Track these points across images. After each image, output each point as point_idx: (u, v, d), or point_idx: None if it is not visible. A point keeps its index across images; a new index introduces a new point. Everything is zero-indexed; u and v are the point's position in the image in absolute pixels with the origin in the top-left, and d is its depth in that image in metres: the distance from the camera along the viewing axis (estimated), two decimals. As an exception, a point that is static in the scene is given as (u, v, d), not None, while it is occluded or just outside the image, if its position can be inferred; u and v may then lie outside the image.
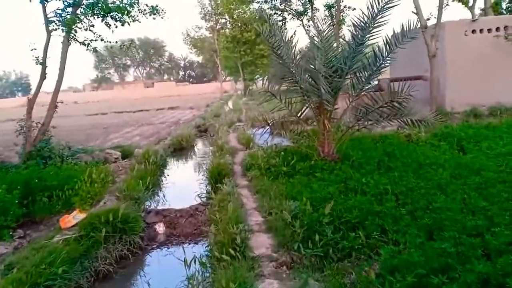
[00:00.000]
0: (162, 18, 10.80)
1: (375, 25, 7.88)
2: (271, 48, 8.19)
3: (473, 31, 15.86)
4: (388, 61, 8.28)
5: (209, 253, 4.90)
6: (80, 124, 28.52)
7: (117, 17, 10.05)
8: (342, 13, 20.09)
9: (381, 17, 7.82)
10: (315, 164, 8.17)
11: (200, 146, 15.48)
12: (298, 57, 8.37)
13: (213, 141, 13.66)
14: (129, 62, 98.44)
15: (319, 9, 21.93)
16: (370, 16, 7.77)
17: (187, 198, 7.81)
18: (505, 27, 15.43)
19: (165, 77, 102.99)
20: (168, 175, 10.59)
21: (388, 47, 8.13)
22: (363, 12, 7.81)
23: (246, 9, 46.12)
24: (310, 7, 22.61)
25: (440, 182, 6.50)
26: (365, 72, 8.36)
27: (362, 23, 7.93)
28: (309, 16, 23.25)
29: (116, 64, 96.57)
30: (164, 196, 8.65)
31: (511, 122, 11.24)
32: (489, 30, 15.78)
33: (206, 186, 8.45)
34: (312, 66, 7.75)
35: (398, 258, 3.85)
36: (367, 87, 8.57)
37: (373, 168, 7.54)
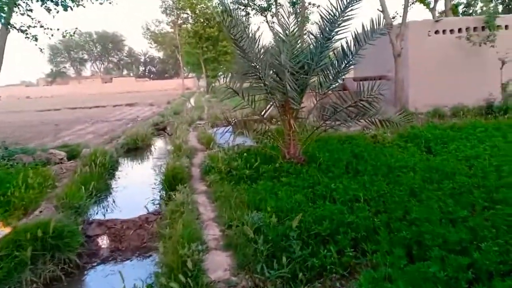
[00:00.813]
0: (110, 3, 9.78)
1: (345, 17, 7.36)
2: (233, 40, 7.50)
3: (436, 32, 15.85)
4: (357, 58, 7.79)
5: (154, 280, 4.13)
6: (29, 120, 26.82)
7: (58, 0, 8.96)
8: (306, 10, 19.72)
9: (351, 10, 7.30)
10: (280, 166, 7.56)
11: (157, 145, 14.50)
12: (262, 51, 7.71)
13: (171, 140, 12.80)
14: (86, 56, 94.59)
15: (283, 5, 21.46)
16: (339, 8, 7.23)
17: (138, 206, 6.97)
18: (467, 28, 15.50)
19: (125, 72, 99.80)
20: (119, 178, 9.64)
21: (357, 43, 7.64)
22: (331, 4, 7.26)
23: (209, 3, 45.14)
24: (274, 3, 22.10)
25: (413, 187, 6.05)
26: (333, 69, 7.85)
27: (330, 16, 7.38)
28: (273, 12, 22.73)
29: (72, 58, 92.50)
30: (112, 203, 7.70)
31: (475, 123, 11.12)
32: (451, 31, 15.82)
33: (160, 192, 7.63)
34: (277, 61, 7.12)
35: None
36: (334, 85, 8.05)
37: (341, 172, 7.02)
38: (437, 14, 22.88)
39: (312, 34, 7.65)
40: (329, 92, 8.01)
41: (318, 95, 8.13)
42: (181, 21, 50.08)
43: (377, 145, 9.78)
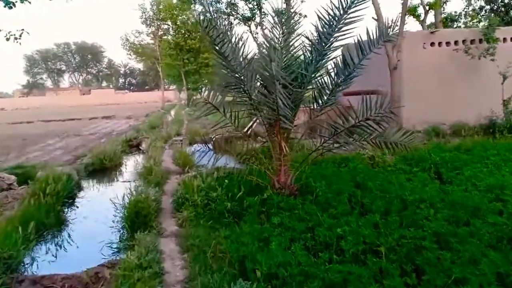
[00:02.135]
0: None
1: (347, 20, 6.11)
2: (213, 45, 6.16)
3: (432, 44, 14.89)
4: (359, 70, 6.56)
5: None
6: None
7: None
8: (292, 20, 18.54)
9: (355, 11, 6.07)
10: (269, 199, 6.20)
11: (128, 165, 12.92)
12: (247, 59, 6.38)
13: (144, 160, 11.31)
14: (64, 67, 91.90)
15: (268, 14, 20.40)
16: (341, 8, 5.99)
17: (90, 251, 5.51)
18: (464, 41, 14.58)
19: (104, 84, 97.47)
20: (76, 208, 8.09)
21: (360, 52, 6.41)
22: (332, 3, 6.00)
23: (190, 15, 43.97)
24: (258, 12, 20.99)
25: (438, 231, 4.77)
26: (331, 82, 6.60)
27: (330, 17, 6.12)
28: (256, 22, 21.60)
29: (50, 69, 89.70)
30: (59, 246, 6.13)
31: (484, 144, 10.02)
32: (448, 44, 14.88)
33: (120, 231, 6.13)
34: (266, 72, 5.80)
35: None
36: (333, 101, 6.78)
37: (345, 208, 5.68)
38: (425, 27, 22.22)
39: (309, 39, 6.36)
40: (327, 109, 6.74)
41: (312, 112, 6.86)
42: (162, 32, 48.66)
43: (378, 170, 8.54)
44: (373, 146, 6.81)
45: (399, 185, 6.86)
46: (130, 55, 54.76)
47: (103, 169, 11.62)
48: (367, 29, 6.42)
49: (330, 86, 6.47)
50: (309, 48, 6.55)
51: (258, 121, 12.51)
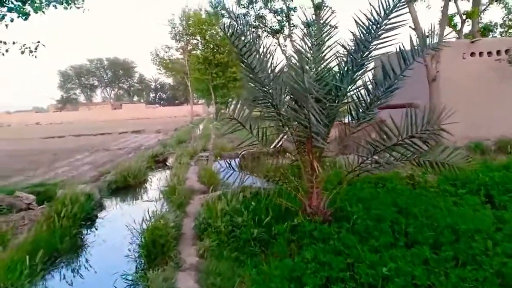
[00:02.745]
0: (78, 8, 8.04)
1: (387, 26, 5.47)
2: (240, 56, 5.64)
3: (472, 54, 13.96)
4: (401, 82, 5.88)
5: None
6: (29, 149, 25.60)
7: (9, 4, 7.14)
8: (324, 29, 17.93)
9: (396, 15, 5.42)
10: (300, 226, 5.55)
11: (153, 182, 12.53)
12: (276, 70, 5.81)
13: (168, 177, 10.88)
14: (96, 83, 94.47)
15: (297, 26, 19.87)
16: (382, 12, 5.35)
17: (103, 285, 5.00)
18: (507, 50, 13.59)
19: (135, 98, 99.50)
20: (95, 230, 7.68)
21: (403, 61, 5.74)
22: (372, 6, 5.38)
23: (218, 29, 44.15)
24: (287, 24, 20.52)
25: (502, 270, 4.01)
26: (369, 95, 5.93)
27: (370, 23, 5.49)
28: (285, 35, 21.13)
29: (83, 84, 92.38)
30: (67, 277, 5.60)
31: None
32: (489, 54, 13.92)
33: (136, 261, 5.60)
34: (297, 84, 5.21)
35: None
36: (371, 116, 6.10)
37: (388, 239, 4.95)
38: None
39: (345, 48, 5.73)
40: (364, 124, 6.07)
41: (347, 127, 6.19)
42: (191, 47, 49.06)
43: (418, 191, 7.75)
44: (416, 166, 6.07)
45: (447, 210, 6.07)
46: (160, 70, 55.54)
47: (126, 187, 11.25)
48: (410, 36, 5.76)
49: (368, 99, 5.80)
50: (344, 59, 5.92)
51: (286, 137, 11.97)
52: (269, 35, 21.66)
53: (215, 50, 44.92)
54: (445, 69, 13.36)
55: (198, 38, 46.64)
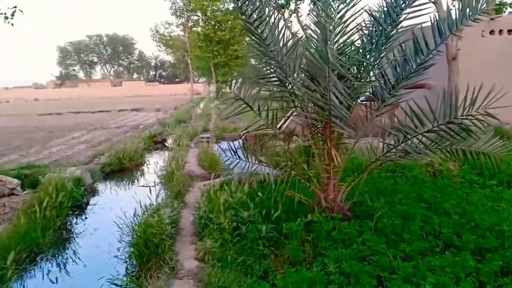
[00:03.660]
0: None
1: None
2: (247, 25, 4.78)
3: (492, 32, 13.01)
4: (437, 55, 5.05)
5: None
6: (25, 126, 25.01)
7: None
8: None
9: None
10: (315, 223, 4.82)
11: (150, 164, 11.76)
12: (289, 42, 4.94)
13: (167, 160, 10.11)
14: (96, 59, 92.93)
15: (303, 1, 18.79)
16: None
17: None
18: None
19: (135, 76, 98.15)
20: (85, 218, 6.96)
21: (438, 33, 4.89)
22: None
23: (220, 5, 42.77)
24: (293, -1, 19.47)
25: None
26: (398, 72, 5.10)
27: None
28: (291, 10, 20.05)
29: (82, 60, 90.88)
30: (44, 280, 4.89)
31: None
32: (509, 31, 12.98)
33: (127, 262, 4.88)
34: (316, 59, 4.37)
35: None
36: (397, 97, 5.28)
37: (421, 243, 4.19)
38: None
39: (372, 16, 4.86)
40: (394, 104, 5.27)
41: (373, 110, 5.38)
42: (192, 24, 47.69)
43: (442, 181, 7.01)
44: (449, 155, 5.31)
45: (482, 206, 5.32)
46: (160, 47, 54.35)
47: (122, 170, 10.51)
48: (447, 5, 4.89)
49: (400, 77, 4.96)
50: (369, 30, 5.06)
51: (294, 119, 11.11)
52: (273, 10, 20.52)
53: (216, 27, 43.74)
54: (463, 48, 12.44)
55: (199, 14, 45.36)
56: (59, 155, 13.46)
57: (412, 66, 4.97)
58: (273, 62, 4.81)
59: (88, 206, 7.66)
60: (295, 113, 8.16)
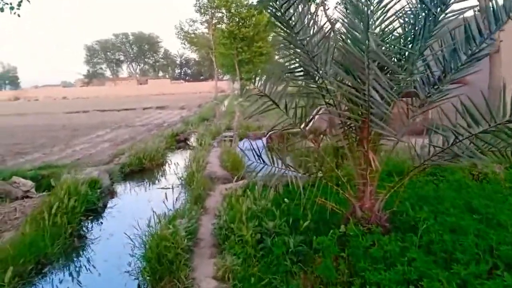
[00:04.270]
0: None
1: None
2: (274, 12, 4.21)
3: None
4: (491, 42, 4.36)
5: None
6: (51, 124, 25.34)
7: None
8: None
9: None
10: (349, 237, 4.23)
11: (171, 164, 11.35)
12: (325, 31, 4.34)
13: (188, 160, 9.66)
14: (122, 58, 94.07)
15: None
16: None
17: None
18: None
19: (160, 74, 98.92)
20: (100, 223, 6.57)
21: (493, 17, 4.20)
22: None
23: (244, 2, 42.29)
24: (320, -9, 18.71)
25: None
26: (448, 62, 4.44)
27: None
28: (317, 3, 19.31)
29: (109, 59, 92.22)
30: None
31: None
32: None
33: (138, 278, 4.40)
34: (352, 48, 3.77)
35: None
36: (443, 92, 4.61)
37: (480, 267, 3.54)
38: None
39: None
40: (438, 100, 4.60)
41: (413, 109, 4.73)
42: (216, 21, 47.41)
43: (488, 186, 6.27)
44: (504, 159, 4.59)
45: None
46: (185, 44, 54.31)
47: (142, 170, 10.13)
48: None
49: (447, 69, 4.30)
50: (414, 14, 4.41)
51: (321, 116, 10.47)
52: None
53: (240, 23, 43.30)
54: (507, 39, 11.48)
55: (223, 11, 45.04)
56: (82, 153, 13.31)
57: (461, 57, 4.30)
58: (302, 53, 4.23)
59: (105, 209, 7.28)
60: (322, 111, 7.57)
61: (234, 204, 5.16)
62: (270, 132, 13.71)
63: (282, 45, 4.76)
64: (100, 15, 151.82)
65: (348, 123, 4.67)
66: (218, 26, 47.05)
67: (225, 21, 45.89)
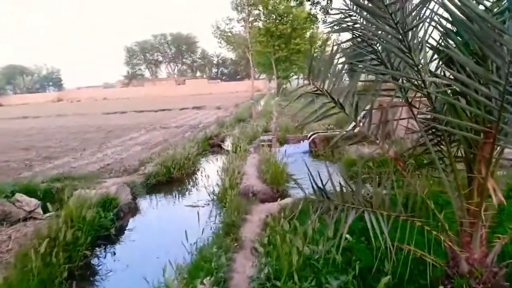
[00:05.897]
0: None
1: None
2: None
3: None
4: None
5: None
6: (87, 125, 25.30)
7: None
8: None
9: None
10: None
11: (203, 172, 10.01)
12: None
13: (222, 170, 8.35)
14: (160, 58, 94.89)
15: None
16: None
17: None
18: None
19: (198, 74, 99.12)
20: (114, 254, 5.35)
21: None
22: None
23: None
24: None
25: None
26: None
27: None
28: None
29: (148, 60, 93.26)
30: None
31: None
32: None
33: None
34: (472, 33, 2.29)
35: None
36: None
37: None
38: None
39: None
40: None
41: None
42: (252, 18, 46.29)
43: None
44: None
45: None
46: (221, 43, 53.56)
47: (170, 181, 8.89)
48: None
49: None
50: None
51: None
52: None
53: (277, 20, 41.93)
54: None
55: (260, 8, 43.85)
56: (113, 158, 12.50)
57: None
58: (388, 28, 2.75)
59: (123, 232, 6.07)
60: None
61: (279, 242, 3.76)
62: (312, 135, 12.27)
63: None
64: (140, 16, 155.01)
65: (448, 133, 3.15)
66: (254, 23, 45.97)
67: (262, 18, 44.77)
